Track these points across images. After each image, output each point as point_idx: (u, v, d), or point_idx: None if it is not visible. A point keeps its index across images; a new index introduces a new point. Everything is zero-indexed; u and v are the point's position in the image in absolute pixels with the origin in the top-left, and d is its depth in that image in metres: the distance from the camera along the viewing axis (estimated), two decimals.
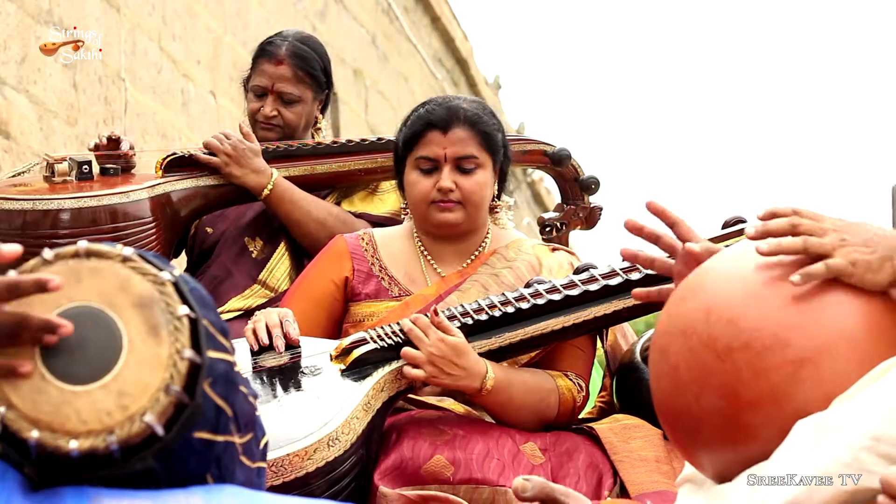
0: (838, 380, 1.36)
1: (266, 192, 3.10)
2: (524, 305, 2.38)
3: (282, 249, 3.21)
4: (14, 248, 1.30)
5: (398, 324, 2.35)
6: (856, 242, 1.49)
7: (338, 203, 3.23)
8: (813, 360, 1.37)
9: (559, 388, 2.45)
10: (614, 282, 2.41)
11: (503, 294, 2.41)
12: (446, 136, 2.54)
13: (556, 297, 2.39)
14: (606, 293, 2.41)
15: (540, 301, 2.38)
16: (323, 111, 3.35)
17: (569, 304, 2.40)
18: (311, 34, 3.46)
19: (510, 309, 2.38)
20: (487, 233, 2.67)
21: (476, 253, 2.64)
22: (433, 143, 2.55)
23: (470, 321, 2.37)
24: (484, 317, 2.37)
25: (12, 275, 1.27)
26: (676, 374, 1.45)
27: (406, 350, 2.30)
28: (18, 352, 1.25)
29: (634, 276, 2.40)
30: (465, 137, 2.54)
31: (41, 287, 1.26)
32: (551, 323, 2.39)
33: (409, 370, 2.29)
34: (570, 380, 2.48)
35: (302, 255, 3.16)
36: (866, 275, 1.47)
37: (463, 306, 2.39)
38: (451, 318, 2.36)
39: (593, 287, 2.40)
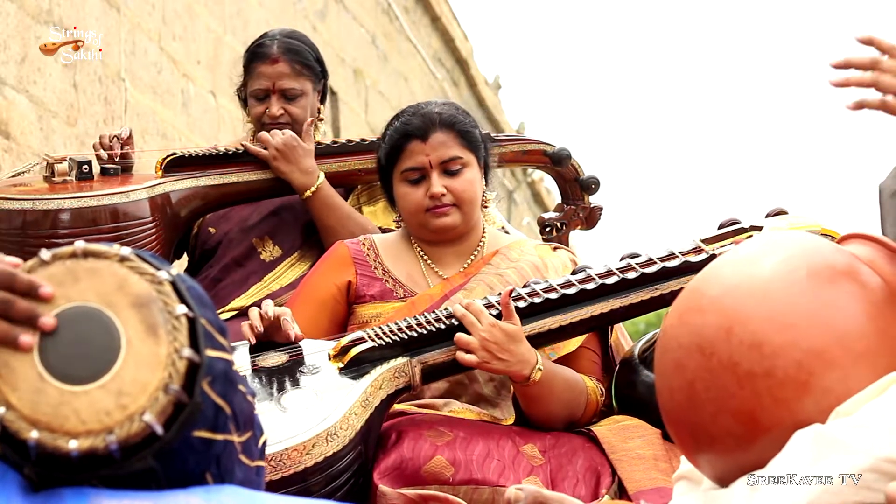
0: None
1: (309, 192, 3.12)
2: (521, 304, 2.38)
3: (295, 257, 3.22)
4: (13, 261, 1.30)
5: (405, 321, 2.35)
6: None
7: (358, 207, 3.24)
8: (835, 389, 1.33)
9: (588, 390, 2.47)
10: (611, 280, 2.41)
11: (500, 294, 2.41)
12: (427, 144, 2.55)
13: (554, 295, 2.39)
14: (603, 292, 2.41)
15: (537, 300, 2.39)
16: (322, 101, 3.36)
17: (568, 301, 2.40)
18: (295, 30, 3.47)
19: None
20: (483, 232, 2.68)
21: (475, 253, 2.65)
22: (415, 153, 2.56)
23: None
24: None
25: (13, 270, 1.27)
26: (693, 390, 1.41)
27: (459, 335, 2.31)
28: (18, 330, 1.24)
29: (631, 275, 2.41)
30: (446, 140, 2.56)
31: (33, 290, 1.25)
32: (549, 321, 2.39)
33: (461, 355, 2.30)
34: (594, 383, 2.50)
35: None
36: None
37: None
38: (449, 317, 2.36)
39: (590, 286, 2.41)
